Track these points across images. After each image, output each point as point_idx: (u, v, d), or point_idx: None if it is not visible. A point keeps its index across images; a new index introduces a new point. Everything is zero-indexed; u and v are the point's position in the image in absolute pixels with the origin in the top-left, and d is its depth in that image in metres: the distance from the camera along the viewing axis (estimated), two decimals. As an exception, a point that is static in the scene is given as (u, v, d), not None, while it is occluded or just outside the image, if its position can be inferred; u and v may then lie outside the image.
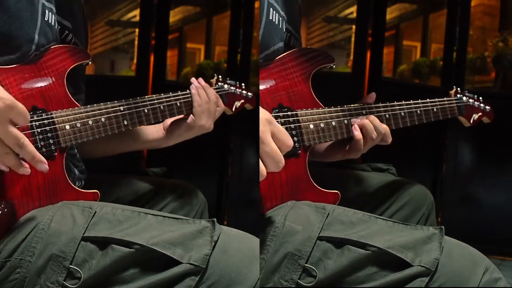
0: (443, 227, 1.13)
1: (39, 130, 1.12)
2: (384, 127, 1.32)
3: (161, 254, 1.03)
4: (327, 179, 1.28)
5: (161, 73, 2.82)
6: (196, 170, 2.68)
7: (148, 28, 2.81)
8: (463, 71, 2.91)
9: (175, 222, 1.09)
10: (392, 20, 2.96)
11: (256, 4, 2.68)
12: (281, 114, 1.22)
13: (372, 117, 1.31)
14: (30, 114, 1.11)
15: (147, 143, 1.42)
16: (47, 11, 1.19)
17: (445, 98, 1.48)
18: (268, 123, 0.95)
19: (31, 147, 1.01)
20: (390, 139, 1.33)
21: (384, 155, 1.53)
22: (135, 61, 2.85)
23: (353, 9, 2.83)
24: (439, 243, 1.10)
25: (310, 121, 1.25)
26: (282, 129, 0.97)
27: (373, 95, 1.38)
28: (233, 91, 1.46)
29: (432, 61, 3.04)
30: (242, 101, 1.47)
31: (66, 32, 1.29)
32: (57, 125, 1.15)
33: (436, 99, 1.45)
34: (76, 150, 1.32)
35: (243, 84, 1.48)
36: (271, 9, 1.26)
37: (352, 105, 1.32)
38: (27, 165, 1.02)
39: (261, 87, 1.22)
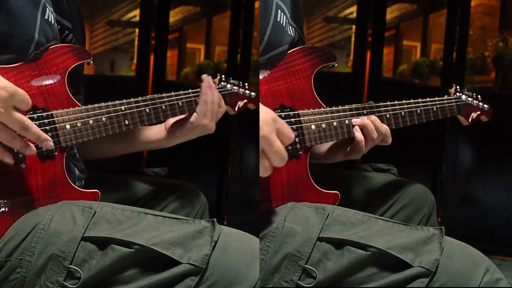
0: (443, 227, 1.13)
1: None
2: (385, 128, 1.31)
3: (161, 254, 1.03)
4: (327, 180, 1.28)
5: (161, 73, 2.82)
6: (196, 170, 2.68)
7: (148, 28, 2.81)
8: (463, 71, 2.91)
9: (175, 222, 1.09)
10: (392, 20, 2.96)
11: (256, 4, 2.68)
12: (283, 114, 1.22)
13: (373, 117, 1.30)
14: (30, 114, 1.11)
15: (148, 144, 1.41)
16: (47, 10, 1.19)
17: (444, 97, 1.48)
18: (273, 122, 0.95)
19: (35, 128, 1.03)
20: (390, 140, 1.33)
21: (385, 156, 1.53)
22: (135, 61, 2.85)
23: (353, 9, 2.83)
24: (439, 243, 1.10)
25: (312, 122, 1.25)
26: (284, 124, 0.97)
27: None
28: (236, 90, 1.45)
29: (432, 61, 3.04)
30: (245, 101, 1.47)
31: (67, 32, 1.28)
32: (57, 125, 1.15)
33: (436, 98, 1.45)
34: (76, 150, 1.32)
35: (246, 84, 1.48)
36: (279, 10, 1.25)
37: (353, 105, 1.32)
38: (32, 145, 1.05)
39: (263, 87, 1.22)
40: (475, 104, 1.55)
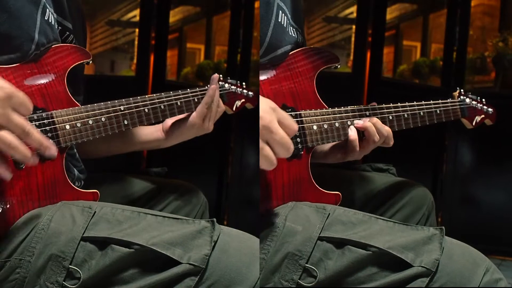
0: (443, 227, 1.13)
1: (38, 129, 1.11)
2: (386, 130, 1.31)
3: (160, 254, 1.03)
4: (327, 180, 1.28)
5: (161, 73, 2.83)
6: (196, 170, 2.68)
7: (148, 28, 2.81)
8: (463, 71, 2.92)
9: (174, 222, 1.09)
10: (392, 20, 2.96)
11: (256, 4, 2.68)
12: None
13: (375, 119, 1.30)
14: (30, 114, 1.11)
15: (146, 143, 1.42)
16: (47, 10, 1.19)
17: (448, 100, 1.46)
18: (273, 111, 0.94)
19: (38, 133, 0.96)
20: (392, 142, 1.32)
21: (385, 155, 1.53)
22: (135, 61, 2.85)
23: (353, 9, 2.83)
24: (439, 243, 1.10)
25: (314, 122, 1.25)
26: (286, 114, 0.96)
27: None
28: (234, 90, 1.45)
29: (432, 61, 3.04)
30: (243, 100, 1.47)
31: (67, 33, 1.28)
32: (57, 125, 1.14)
33: (440, 101, 1.43)
34: (75, 150, 1.32)
35: (244, 83, 1.48)
36: (280, 11, 1.25)
37: (355, 106, 1.32)
38: (35, 154, 0.98)
39: (265, 87, 1.22)
40: (479, 108, 1.53)
